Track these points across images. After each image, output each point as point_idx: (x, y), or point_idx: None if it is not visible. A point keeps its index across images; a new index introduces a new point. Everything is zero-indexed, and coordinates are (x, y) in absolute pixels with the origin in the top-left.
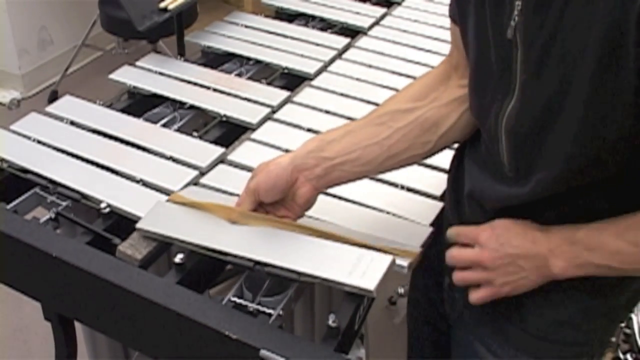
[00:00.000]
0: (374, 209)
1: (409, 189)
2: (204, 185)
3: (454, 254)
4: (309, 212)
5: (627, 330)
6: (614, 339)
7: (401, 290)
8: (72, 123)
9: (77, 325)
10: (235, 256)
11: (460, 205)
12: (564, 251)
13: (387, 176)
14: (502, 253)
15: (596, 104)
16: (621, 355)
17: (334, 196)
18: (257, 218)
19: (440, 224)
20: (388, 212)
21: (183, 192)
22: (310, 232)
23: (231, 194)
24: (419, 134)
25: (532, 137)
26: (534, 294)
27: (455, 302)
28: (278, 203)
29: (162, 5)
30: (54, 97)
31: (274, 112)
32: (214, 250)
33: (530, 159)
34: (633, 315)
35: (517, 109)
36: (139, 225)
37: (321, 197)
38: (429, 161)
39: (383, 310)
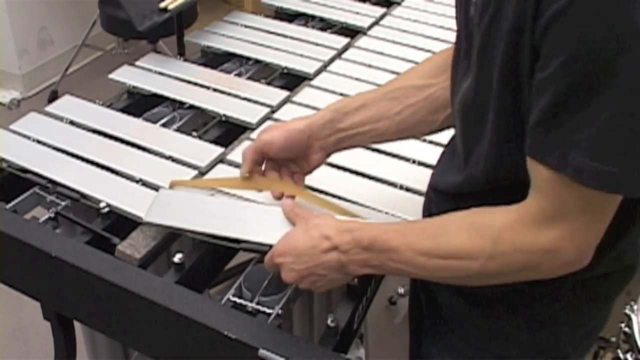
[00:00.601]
0: (369, 207)
1: (407, 189)
2: None
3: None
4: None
5: (627, 330)
6: (614, 339)
7: (401, 290)
8: (72, 123)
9: (77, 325)
10: (248, 242)
11: (428, 196)
12: (357, 253)
13: (385, 176)
14: (297, 271)
15: (504, 99)
16: (621, 355)
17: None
18: (259, 182)
19: None
20: (386, 213)
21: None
22: (314, 200)
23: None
24: (428, 113)
25: (474, 123)
26: (471, 307)
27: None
28: (288, 160)
29: (162, 5)
30: (54, 97)
31: (273, 112)
32: (227, 239)
33: (471, 146)
34: (633, 315)
35: (469, 89)
36: (145, 218)
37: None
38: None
39: (383, 310)
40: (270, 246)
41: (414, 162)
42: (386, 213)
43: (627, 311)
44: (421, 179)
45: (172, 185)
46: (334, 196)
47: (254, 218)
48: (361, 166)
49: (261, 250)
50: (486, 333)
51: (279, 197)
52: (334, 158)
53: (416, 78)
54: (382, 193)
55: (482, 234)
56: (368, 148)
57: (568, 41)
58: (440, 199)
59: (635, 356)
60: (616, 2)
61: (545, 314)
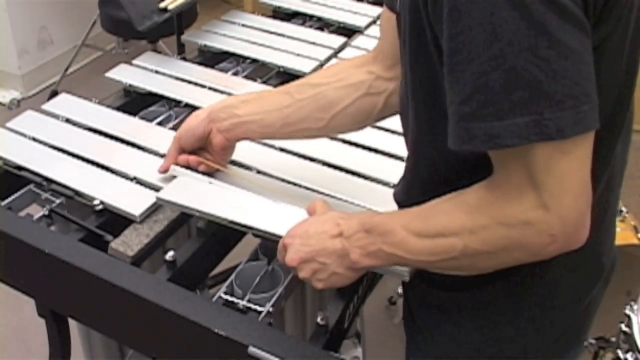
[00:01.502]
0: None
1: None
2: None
3: (277, 255)
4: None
5: (627, 330)
6: (614, 339)
7: (401, 290)
8: (68, 121)
9: (73, 324)
10: (261, 230)
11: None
12: (360, 238)
13: (382, 175)
14: (301, 254)
15: (416, 88)
16: (621, 355)
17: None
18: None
19: None
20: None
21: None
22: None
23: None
24: (314, 109)
25: (405, 111)
26: (441, 318)
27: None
28: (204, 150)
29: (162, 5)
30: (53, 97)
31: None
32: (240, 224)
33: (406, 133)
34: (633, 315)
35: (402, 82)
36: (158, 195)
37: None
38: None
39: (383, 310)
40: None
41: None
42: (357, 205)
43: (627, 311)
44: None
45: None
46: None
47: (270, 210)
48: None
49: (271, 239)
50: (455, 346)
51: None
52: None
53: (314, 77)
54: (354, 185)
55: (461, 209)
56: (341, 140)
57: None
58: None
59: (635, 356)
60: None
61: (508, 321)
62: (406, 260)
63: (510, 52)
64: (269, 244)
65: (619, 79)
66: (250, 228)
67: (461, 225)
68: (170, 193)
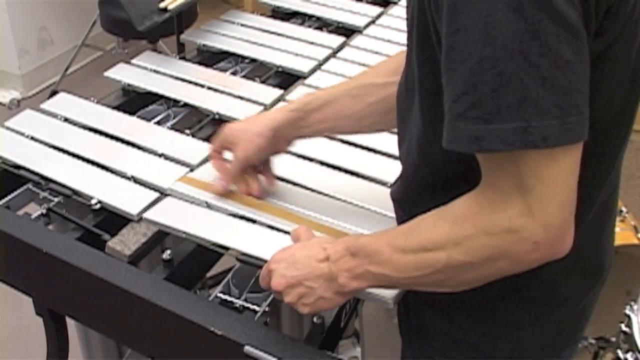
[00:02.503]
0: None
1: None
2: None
3: (259, 281)
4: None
5: (627, 330)
6: (614, 339)
7: None
8: (67, 120)
9: (71, 323)
10: (241, 252)
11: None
12: (346, 261)
13: (380, 175)
14: (287, 278)
15: (423, 84)
16: (621, 355)
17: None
18: (267, 207)
19: None
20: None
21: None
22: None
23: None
24: (388, 111)
25: (405, 109)
26: (435, 315)
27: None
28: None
29: (162, 5)
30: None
31: (266, 110)
32: (220, 246)
33: (404, 131)
34: (633, 315)
35: (403, 75)
36: (145, 215)
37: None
38: None
39: (382, 309)
40: (262, 260)
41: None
42: (356, 205)
43: (627, 311)
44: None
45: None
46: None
47: (254, 234)
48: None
49: (254, 264)
50: (451, 343)
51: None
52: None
53: (378, 76)
54: (360, 187)
55: (446, 221)
56: (340, 140)
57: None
58: (396, 207)
59: (636, 356)
60: None
61: (505, 319)
62: (392, 279)
63: (502, 55)
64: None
65: (625, 85)
66: (234, 251)
67: (445, 237)
68: (156, 214)
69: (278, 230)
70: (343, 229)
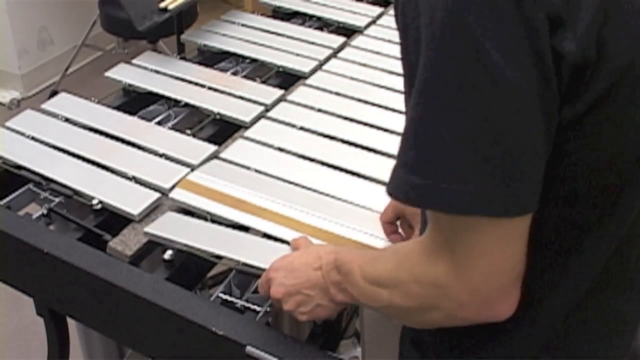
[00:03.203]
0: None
1: None
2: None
3: (258, 289)
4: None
5: None
6: None
7: None
8: (67, 120)
9: (72, 323)
10: (238, 262)
11: None
12: (333, 275)
13: (381, 176)
14: (285, 287)
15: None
16: None
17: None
18: (267, 213)
19: None
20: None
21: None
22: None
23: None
24: None
25: None
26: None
27: None
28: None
29: (162, 5)
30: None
31: (267, 110)
32: (219, 257)
33: None
34: None
35: None
36: (146, 229)
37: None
38: None
39: None
40: (261, 269)
41: None
42: (356, 205)
43: None
44: None
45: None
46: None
47: (253, 245)
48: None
49: (253, 273)
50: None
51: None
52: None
53: None
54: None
55: (393, 259)
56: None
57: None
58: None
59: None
60: None
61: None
62: (361, 303)
63: (437, 113)
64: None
65: (633, 144)
66: (233, 261)
67: (388, 277)
68: (158, 228)
69: (276, 239)
70: (343, 229)
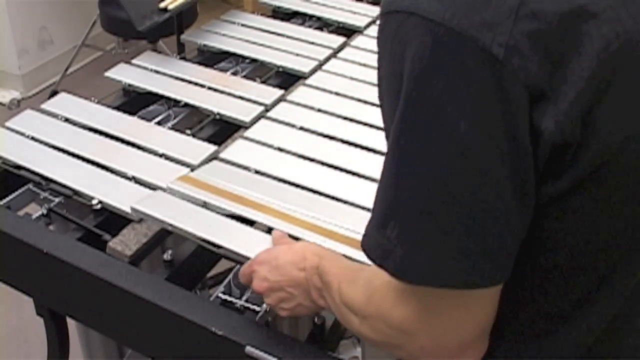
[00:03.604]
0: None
1: None
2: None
3: (239, 277)
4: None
5: None
6: None
7: None
8: (67, 120)
9: (72, 323)
10: (229, 250)
11: None
12: (315, 280)
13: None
14: (269, 282)
15: None
16: None
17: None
18: (264, 209)
19: None
20: None
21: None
22: (304, 225)
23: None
24: None
25: None
26: None
27: None
28: None
29: (162, 5)
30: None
31: (267, 110)
32: (209, 242)
33: None
34: None
35: None
36: (134, 205)
37: None
38: None
39: None
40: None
41: None
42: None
43: None
44: None
45: (181, 180)
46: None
47: (241, 233)
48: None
49: (239, 261)
50: None
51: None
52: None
53: None
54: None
55: (366, 288)
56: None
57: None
58: None
59: None
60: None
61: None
62: (338, 318)
63: (403, 174)
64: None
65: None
66: (219, 247)
67: (358, 307)
68: (146, 205)
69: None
70: (342, 230)
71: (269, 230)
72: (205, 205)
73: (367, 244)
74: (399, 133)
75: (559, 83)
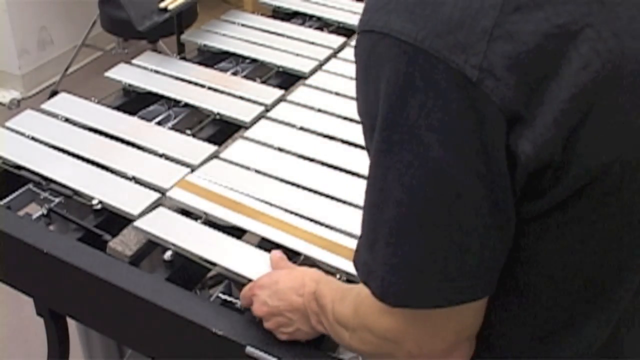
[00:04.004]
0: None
1: None
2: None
3: (240, 300)
4: None
5: None
6: None
7: None
8: (67, 120)
9: (72, 324)
10: (226, 269)
11: None
12: (313, 306)
13: None
14: (269, 307)
15: None
16: None
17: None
18: (264, 217)
19: None
20: None
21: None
22: (301, 235)
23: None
24: None
25: None
26: None
27: None
28: None
29: (162, 5)
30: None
31: (267, 110)
32: (207, 260)
33: None
34: None
35: None
36: (136, 223)
37: None
38: None
39: None
40: (247, 279)
41: None
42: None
43: None
44: None
45: (179, 187)
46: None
47: (239, 252)
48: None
49: (238, 281)
50: None
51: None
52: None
53: None
54: None
55: (352, 303)
56: (340, 140)
57: None
58: None
59: None
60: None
61: None
62: (334, 339)
63: (381, 196)
64: (266, 244)
65: (610, 246)
66: (218, 266)
67: (347, 320)
68: (147, 223)
69: (266, 250)
70: (342, 230)
71: (265, 243)
72: (205, 215)
73: (356, 261)
74: (378, 154)
75: (537, 105)
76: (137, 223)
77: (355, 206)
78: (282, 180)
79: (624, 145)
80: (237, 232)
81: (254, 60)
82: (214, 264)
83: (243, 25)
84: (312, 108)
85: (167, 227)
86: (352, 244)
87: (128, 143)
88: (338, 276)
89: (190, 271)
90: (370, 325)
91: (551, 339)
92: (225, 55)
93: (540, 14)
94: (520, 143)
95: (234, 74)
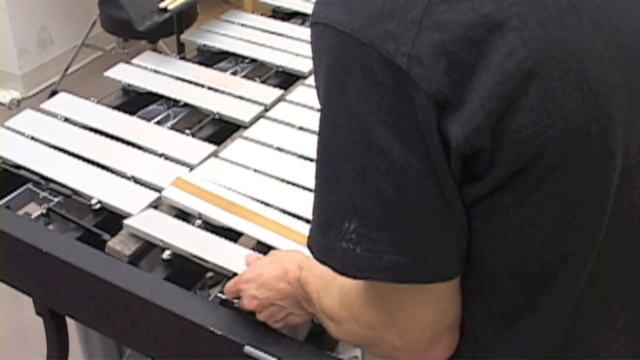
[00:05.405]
0: None
1: None
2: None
3: (225, 294)
4: None
5: None
6: None
7: None
8: (67, 120)
9: (71, 323)
10: (215, 264)
11: None
12: (301, 291)
13: None
14: (259, 300)
15: None
16: None
17: None
18: (257, 218)
19: None
20: None
21: (190, 177)
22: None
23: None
24: None
25: None
26: None
27: None
28: None
29: (162, 5)
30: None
31: (266, 110)
32: (196, 257)
33: None
34: None
35: None
36: (126, 221)
37: None
38: None
39: None
40: (234, 274)
41: None
42: None
43: None
44: None
45: (174, 185)
46: None
47: (227, 248)
48: None
49: (225, 275)
50: None
51: None
52: None
53: None
54: None
55: (337, 294)
56: None
57: None
58: None
59: None
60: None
61: None
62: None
63: (331, 179)
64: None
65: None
66: (207, 262)
67: (332, 312)
68: (138, 221)
69: (260, 252)
70: None
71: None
72: (199, 216)
73: (311, 244)
74: (322, 139)
75: (465, 92)
76: (127, 221)
77: None
78: (281, 180)
79: (555, 130)
80: (232, 234)
81: (253, 60)
82: (204, 261)
83: (243, 25)
84: (311, 108)
85: (158, 225)
86: None
87: (127, 143)
88: None
89: (189, 271)
90: (354, 316)
91: (513, 324)
92: (224, 55)
93: (467, 4)
94: (451, 128)
95: (234, 73)
